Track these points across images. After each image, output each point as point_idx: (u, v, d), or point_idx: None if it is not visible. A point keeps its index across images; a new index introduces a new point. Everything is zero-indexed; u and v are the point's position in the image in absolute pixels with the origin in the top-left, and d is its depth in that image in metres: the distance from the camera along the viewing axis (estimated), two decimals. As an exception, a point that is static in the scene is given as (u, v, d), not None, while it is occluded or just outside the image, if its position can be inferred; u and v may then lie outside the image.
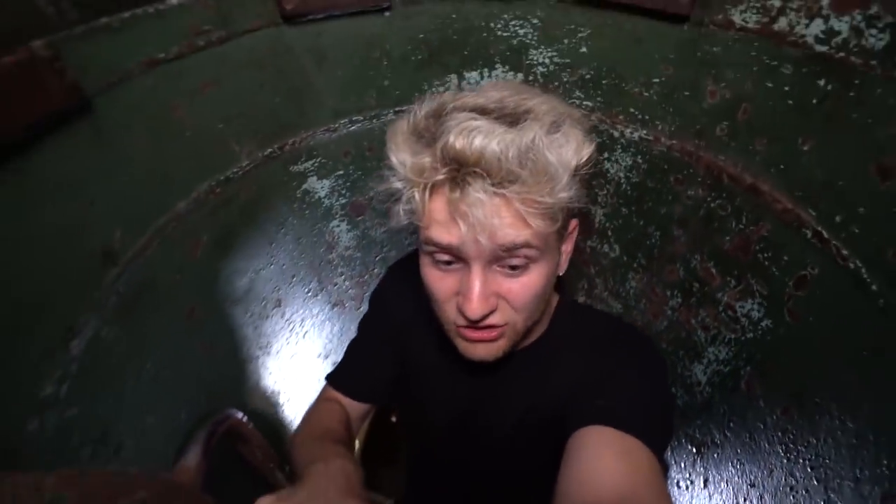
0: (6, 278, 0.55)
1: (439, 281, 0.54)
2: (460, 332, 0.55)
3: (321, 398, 0.78)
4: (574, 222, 0.58)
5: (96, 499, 0.27)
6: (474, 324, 0.53)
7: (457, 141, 0.45)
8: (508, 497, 0.72)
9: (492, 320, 0.53)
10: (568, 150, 0.48)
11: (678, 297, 0.99)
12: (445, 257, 0.52)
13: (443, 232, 0.49)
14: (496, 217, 0.46)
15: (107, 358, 0.70)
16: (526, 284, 0.52)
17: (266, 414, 1.12)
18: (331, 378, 0.79)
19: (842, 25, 0.60)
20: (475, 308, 0.50)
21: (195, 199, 0.83)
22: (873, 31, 0.57)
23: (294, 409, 1.19)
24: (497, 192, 0.46)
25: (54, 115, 0.54)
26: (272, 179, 0.97)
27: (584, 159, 0.50)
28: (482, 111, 0.49)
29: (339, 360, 0.81)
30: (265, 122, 0.90)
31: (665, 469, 0.49)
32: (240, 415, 0.92)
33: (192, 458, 0.73)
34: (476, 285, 0.50)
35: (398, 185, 0.51)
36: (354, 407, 0.77)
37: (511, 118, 0.49)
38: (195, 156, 0.81)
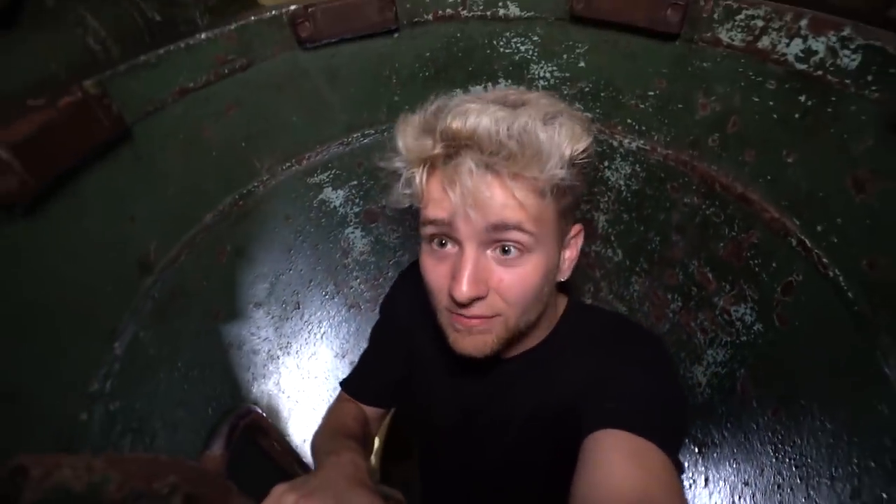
0: (59, 287, 0.62)
1: (434, 268, 0.55)
2: (451, 321, 0.55)
3: (339, 399, 0.83)
4: (577, 227, 0.58)
5: (136, 479, 0.30)
6: (463, 307, 0.52)
7: (454, 122, 0.47)
8: (514, 497, 0.72)
9: (480, 308, 0.53)
10: (562, 134, 0.48)
11: (678, 301, 1.02)
12: (441, 238, 0.53)
13: (437, 207, 0.51)
14: (487, 190, 0.47)
15: (144, 357, 0.76)
16: (518, 275, 0.52)
17: (286, 409, 1.18)
18: (344, 384, 0.83)
19: (818, 45, 0.63)
20: (463, 289, 0.50)
21: (220, 212, 0.89)
22: (847, 52, 0.60)
23: (312, 405, 1.24)
24: (488, 162, 0.47)
25: (102, 145, 0.61)
26: (290, 191, 1.02)
27: (581, 150, 0.50)
28: (483, 100, 0.51)
29: (354, 364, 0.85)
30: (283, 138, 0.96)
31: (680, 469, 0.50)
32: (260, 410, 0.99)
33: (216, 448, 0.79)
34: (467, 266, 0.50)
35: (399, 164, 0.54)
36: (369, 410, 0.81)
37: (510, 106, 0.50)
38: (221, 172, 0.87)
